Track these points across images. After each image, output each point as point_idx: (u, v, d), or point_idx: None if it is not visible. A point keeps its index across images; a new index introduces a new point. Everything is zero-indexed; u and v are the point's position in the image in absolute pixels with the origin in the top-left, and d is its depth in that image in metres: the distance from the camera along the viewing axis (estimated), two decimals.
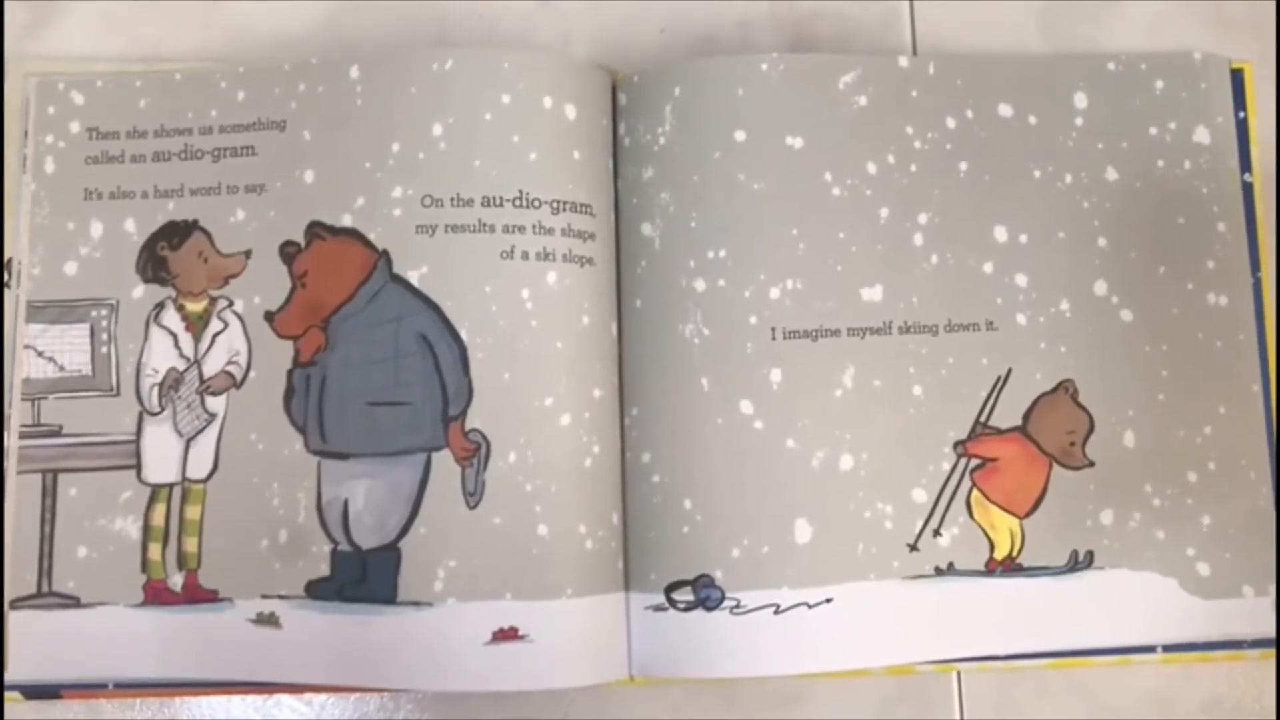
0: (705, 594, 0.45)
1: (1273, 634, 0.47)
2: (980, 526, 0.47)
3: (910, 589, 0.46)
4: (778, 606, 0.45)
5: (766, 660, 0.45)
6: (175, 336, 0.47)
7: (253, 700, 0.47)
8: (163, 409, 0.47)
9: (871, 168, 0.48)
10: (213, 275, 0.47)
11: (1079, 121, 0.49)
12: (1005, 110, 0.49)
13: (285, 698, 0.47)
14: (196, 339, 0.47)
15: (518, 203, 0.46)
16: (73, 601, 0.45)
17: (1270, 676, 0.48)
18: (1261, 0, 0.52)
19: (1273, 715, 0.48)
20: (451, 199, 0.46)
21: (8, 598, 0.45)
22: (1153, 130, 0.50)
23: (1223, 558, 0.47)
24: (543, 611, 0.44)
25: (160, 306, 0.47)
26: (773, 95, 0.47)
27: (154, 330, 0.47)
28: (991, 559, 0.47)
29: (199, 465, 0.46)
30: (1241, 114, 0.50)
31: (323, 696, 0.47)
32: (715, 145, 0.47)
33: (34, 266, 0.47)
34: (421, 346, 0.45)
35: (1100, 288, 0.48)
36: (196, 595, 0.45)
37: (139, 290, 0.47)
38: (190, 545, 0.46)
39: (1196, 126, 0.50)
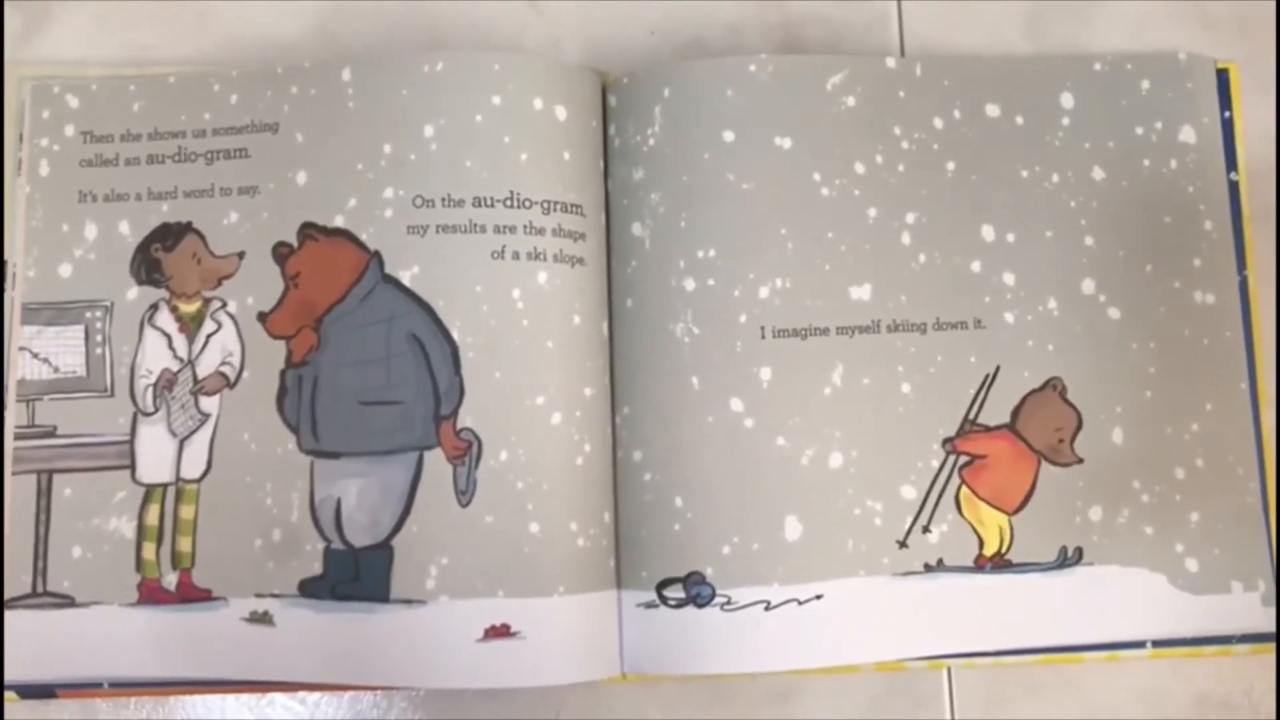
0: (696, 591, 0.46)
1: (1261, 629, 0.47)
2: (969, 523, 0.47)
3: (900, 585, 0.46)
4: (768, 603, 0.45)
5: (757, 657, 0.45)
6: (169, 337, 0.47)
7: (247, 699, 0.47)
8: (157, 409, 0.47)
9: (860, 168, 0.48)
10: (206, 276, 0.47)
11: (1065, 121, 0.50)
12: (992, 110, 0.50)
13: (279, 696, 0.47)
14: (190, 340, 0.47)
15: (509, 203, 0.46)
16: (67, 601, 0.46)
17: (1259, 671, 0.49)
18: (1247, 1, 0.53)
19: (1265, 711, 0.48)
20: (443, 200, 0.46)
21: (4, 598, 0.46)
22: (1139, 130, 0.50)
23: (1211, 554, 0.47)
24: (535, 609, 0.44)
25: (154, 308, 0.47)
26: (761, 96, 0.48)
27: (148, 331, 0.47)
28: (981, 555, 0.47)
29: (193, 465, 0.46)
30: (1227, 114, 0.51)
31: (316, 695, 0.48)
32: (704, 146, 0.48)
33: (29, 269, 0.48)
34: (413, 346, 0.45)
35: (1088, 286, 0.49)
36: (190, 594, 0.46)
37: (133, 292, 0.48)
38: (184, 545, 0.46)
39: (1182, 126, 0.50)
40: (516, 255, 0.46)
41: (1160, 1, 0.53)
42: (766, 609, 0.45)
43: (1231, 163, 0.50)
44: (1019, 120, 0.50)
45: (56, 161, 0.48)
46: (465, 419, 0.45)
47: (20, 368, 0.47)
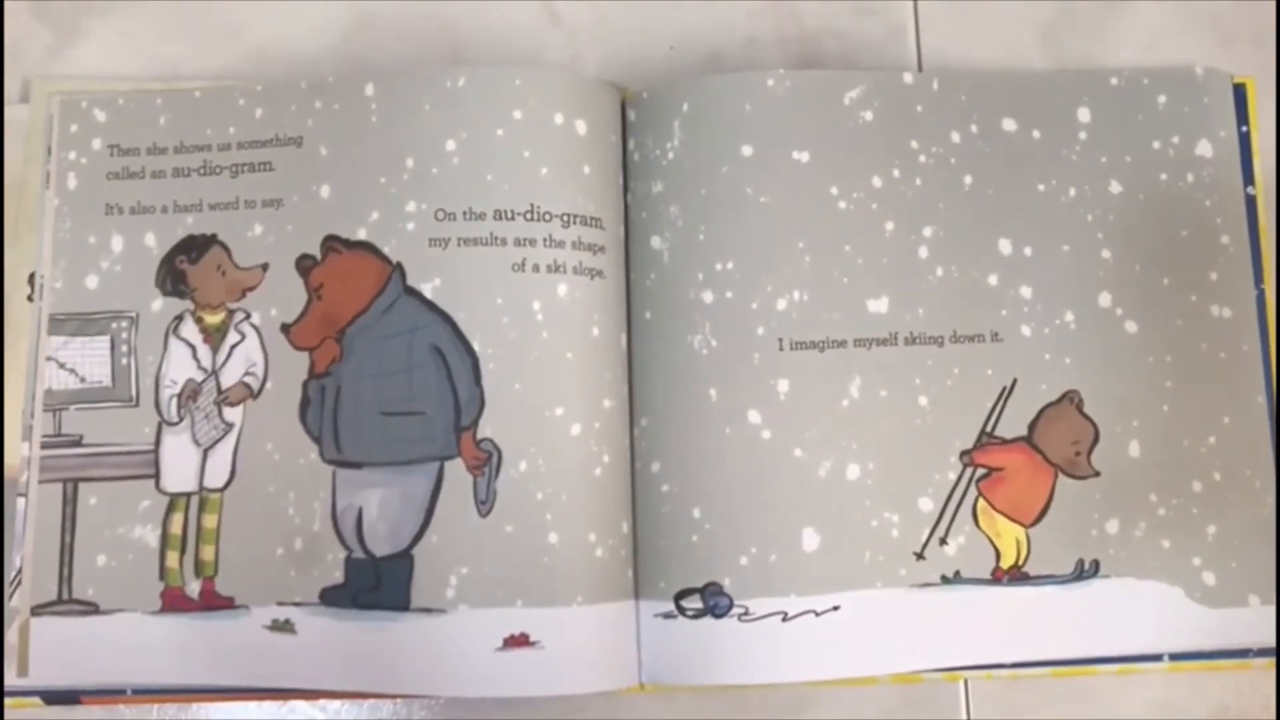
0: (714, 602, 0.46)
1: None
2: (986, 535, 0.47)
3: (917, 597, 0.46)
4: (785, 614, 0.46)
5: (774, 668, 0.46)
6: (193, 348, 0.48)
7: (268, 706, 0.48)
8: (181, 419, 0.47)
9: (877, 181, 0.49)
10: (230, 288, 0.48)
11: (1082, 136, 0.50)
12: (1009, 125, 0.50)
13: (300, 703, 0.48)
14: (214, 351, 0.48)
15: (529, 216, 0.46)
16: (92, 608, 0.46)
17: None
18: (1262, 5, 0.53)
19: None
20: (464, 213, 0.46)
21: (30, 605, 0.46)
22: (1155, 144, 0.50)
23: (1228, 567, 0.47)
24: (553, 618, 0.44)
25: (179, 319, 0.48)
26: (779, 110, 0.48)
27: (173, 342, 0.48)
28: (998, 568, 0.47)
29: (216, 474, 0.47)
30: (1244, 128, 0.51)
31: (337, 702, 0.48)
32: (723, 160, 0.48)
33: (56, 280, 0.48)
34: (434, 357, 0.46)
35: (1104, 299, 0.49)
36: (213, 602, 0.46)
37: (158, 303, 0.48)
38: (207, 553, 0.46)
39: (1199, 140, 0.50)
40: (537, 268, 0.46)
41: (1177, 16, 0.53)
42: (784, 620, 0.46)
43: (1249, 177, 0.50)
44: (1036, 134, 0.50)
45: (84, 174, 0.49)
46: (485, 430, 0.45)
47: (47, 378, 0.48)
